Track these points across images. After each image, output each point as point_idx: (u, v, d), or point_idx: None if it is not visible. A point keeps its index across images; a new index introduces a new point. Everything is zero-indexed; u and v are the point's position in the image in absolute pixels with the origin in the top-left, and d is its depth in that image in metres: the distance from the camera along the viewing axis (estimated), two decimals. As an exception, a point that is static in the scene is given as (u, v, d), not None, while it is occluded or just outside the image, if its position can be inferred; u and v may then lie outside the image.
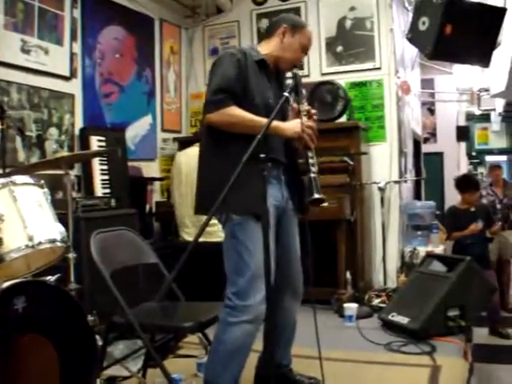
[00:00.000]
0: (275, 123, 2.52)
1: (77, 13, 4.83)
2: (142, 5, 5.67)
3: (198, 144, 4.60)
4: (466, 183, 5.56)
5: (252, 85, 2.73)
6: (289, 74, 2.94)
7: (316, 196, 2.56)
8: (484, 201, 6.72)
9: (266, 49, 2.92)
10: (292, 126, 2.69)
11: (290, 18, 3.03)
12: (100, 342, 2.78)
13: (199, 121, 6.14)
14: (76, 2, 4.80)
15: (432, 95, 10.65)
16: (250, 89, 2.72)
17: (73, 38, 4.75)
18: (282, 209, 2.85)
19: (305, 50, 2.96)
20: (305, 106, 2.76)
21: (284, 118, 2.85)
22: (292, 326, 3.04)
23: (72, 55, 4.74)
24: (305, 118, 2.69)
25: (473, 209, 5.36)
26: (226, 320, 2.63)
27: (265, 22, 5.96)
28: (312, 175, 2.62)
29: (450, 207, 5.72)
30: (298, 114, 2.76)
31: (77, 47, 4.83)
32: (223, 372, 2.62)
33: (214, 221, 2.35)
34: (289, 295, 2.96)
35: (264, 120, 2.54)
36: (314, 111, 2.81)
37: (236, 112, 2.65)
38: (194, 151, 4.58)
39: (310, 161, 2.67)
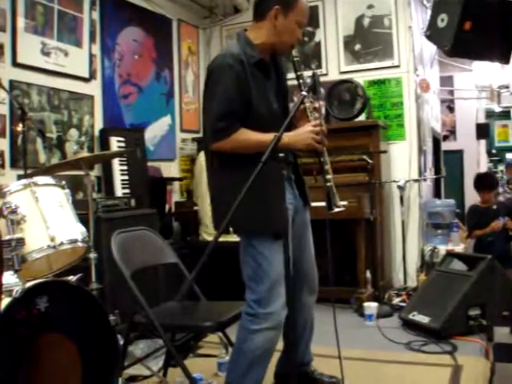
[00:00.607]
0: (285, 140, 2.36)
1: (96, 15, 4.86)
2: (159, 6, 5.70)
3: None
4: (480, 183, 5.53)
5: (254, 98, 2.58)
6: (307, 73, 2.83)
7: (335, 210, 2.54)
8: (501, 198, 6.66)
9: (259, 37, 2.68)
10: (302, 138, 2.56)
11: None
12: (121, 342, 2.80)
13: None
14: (95, 3, 4.84)
15: (451, 93, 10.55)
16: (254, 102, 2.58)
17: (92, 39, 4.79)
18: (295, 207, 2.83)
19: (302, 25, 2.70)
20: (312, 104, 2.65)
21: (291, 119, 2.80)
22: (311, 322, 3.05)
23: (91, 57, 4.78)
24: (312, 119, 2.59)
25: (494, 206, 5.32)
26: (248, 327, 2.61)
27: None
28: (329, 184, 2.56)
29: (472, 206, 5.68)
30: (303, 113, 2.67)
31: (96, 49, 4.86)
32: (245, 379, 2.61)
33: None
34: (306, 291, 2.96)
35: (271, 136, 2.35)
36: (317, 105, 2.67)
37: (245, 136, 2.54)
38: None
39: (326, 167, 2.60)
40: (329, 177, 2.58)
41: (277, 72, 2.82)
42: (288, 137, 2.49)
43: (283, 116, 2.67)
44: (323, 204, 2.60)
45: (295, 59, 2.70)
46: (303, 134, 2.56)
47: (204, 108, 2.69)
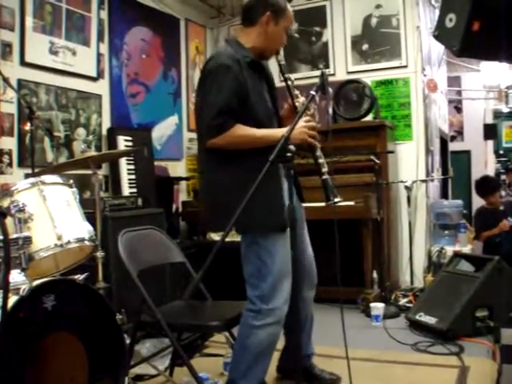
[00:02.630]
0: (280, 134, 2.35)
1: (104, 14, 4.88)
2: (167, 5, 5.71)
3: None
4: (480, 189, 5.52)
5: (251, 95, 2.63)
6: (313, 73, 2.90)
7: (334, 200, 2.57)
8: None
9: (248, 41, 2.76)
10: (297, 132, 2.57)
11: (269, 1, 2.73)
12: (128, 341, 2.80)
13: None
14: (103, 3, 4.85)
15: (459, 93, 10.53)
16: (251, 101, 2.63)
17: (100, 38, 4.80)
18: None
19: (287, 31, 2.81)
20: (300, 101, 2.74)
21: (279, 116, 2.84)
22: (311, 315, 3.09)
23: (99, 56, 4.79)
24: (303, 117, 2.61)
25: (501, 207, 5.30)
26: (250, 324, 2.63)
27: (290, 21, 5.93)
28: (324, 177, 2.60)
29: (478, 208, 5.67)
30: (293, 111, 2.75)
31: (104, 48, 4.88)
32: (248, 374, 2.64)
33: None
34: (305, 285, 2.99)
35: (269, 131, 2.56)
36: (301, 100, 2.76)
37: (240, 132, 2.57)
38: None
39: (320, 161, 2.65)
40: (324, 170, 2.62)
41: (265, 74, 2.88)
42: (283, 133, 2.50)
43: (276, 115, 2.82)
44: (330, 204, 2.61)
45: (281, 63, 2.81)
46: (297, 129, 2.57)
47: (199, 107, 2.72)
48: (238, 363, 2.68)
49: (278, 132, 2.40)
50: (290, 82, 2.80)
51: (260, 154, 2.21)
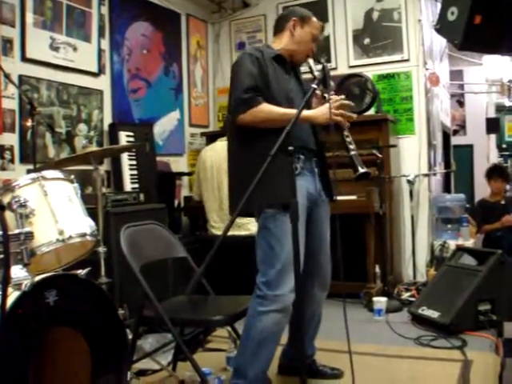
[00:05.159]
0: (305, 113, 2.59)
1: (104, 9, 4.88)
2: (168, 0, 5.70)
3: (222, 138, 4.64)
4: (491, 171, 5.51)
5: (272, 82, 2.77)
6: (317, 67, 2.93)
7: (361, 170, 2.65)
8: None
9: (279, 44, 2.98)
10: (322, 112, 2.72)
11: (296, 10, 3.06)
12: (130, 336, 2.80)
13: (224, 117, 6.16)
14: (103, -2, 4.85)
15: (461, 87, 10.50)
16: (271, 86, 2.76)
17: (101, 34, 4.80)
18: (314, 200, 2.90)
19: (315, 39, 3.00)
20: (330, 94, 2.79)
21: (309, 109, 2.86)
22: (318, 316, 3.09)
23: (100, 51, 4.79)
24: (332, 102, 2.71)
25: (503, 201, 5.29)
26: (255, 309, 2.66)
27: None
28: (352, 153, 2.70)
29: (480, 200, 5.65)
30: (322, 100, 2.83)
31: (105, 43, 4.87)
32: (252, 361, 2.65)
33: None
34: (317, 284, 3.00)
35: (293, 110, 2.58)
36: (341, 96, 2.84)
37: (267, 108, 2.69)
38: (220, 145, 4.59)
39: (347, 139, 2.74)
40: (351, 147, 2.72)
41: (295, 74, 3.03)
42: (308, 112, 2.72)
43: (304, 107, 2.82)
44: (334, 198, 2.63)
45: (311, 63, 2.95)
46: (323, 109, 2.73)
47: (230, 94, 2.84)
48: (243, 350, 2.70)
49: (304, 112, 2.51)
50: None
51: (279, 136, 2.22)
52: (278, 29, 3.04)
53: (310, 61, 2.94)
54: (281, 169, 2.23)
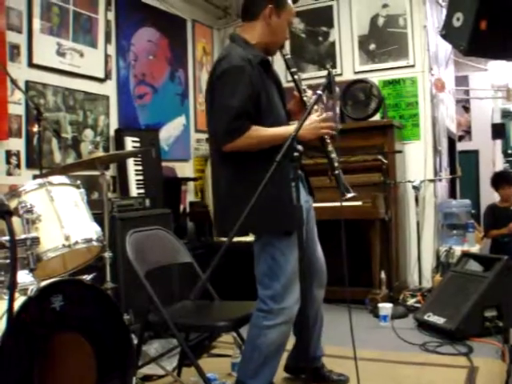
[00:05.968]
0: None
1: (111, 15, 4.89)
2: (174, 6, 5.71)
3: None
4: (497, 180, 5.50)
5: (262, 98, 2.61)
6: (321, 73, 2.90)
7: (349, 195, 2.59)
8: None
9: (253, 37, 2.74)
10: (309, 128, 2.59)
11: None
12: (135, 341, 2.80)
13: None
14: (110, 4, 4.87)
15: (467, 92, 10.49)
16: (262, 102, 2.61)
17: (107, 40, 4.81)
18: (307, 207, 2.84)
19: (290, 24, 2.82)
20: (308, 95, 2.73)
21: (286, 110, 2.83)
22: (321, 315, 3.08)
23: (106, 57, 4.81)
24: (314, 112, 2.62)
25: (512, 207, 5.28)
26: (261, 324, 2.63)
27: (296, 21, 5.93)
28: (336, 172, 2.62)
29: (490, 205, 5.64)
30: (300, 105, 2.76)
31: (111, 49, 4.89)
32: (257, 374, 2.63)
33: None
34: (315, 285, 2.99)
35: (284, 128, 2.56)
36: (309, 93, 2.75)
37: (257, 133, 2.55)
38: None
39: (332, 155, 2.65)
40: (336, 165, 2.63)
41: (272, 72, 2.85)
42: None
43: (285, 111, 2.81)
44: (338, 204, 2.60)
45: (286, 57, 2.81)
46: (310, 124, 2.60)
47: (211, 109, 2.68)
48: (247, 363, 2.68)
49: (292, 128, 2.36)
50: (296, 77, 2.79)
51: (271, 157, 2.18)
52: (250, 14, 2.76)
53: (285, 51, 2.78)
54: (281, 188, 2.20)
